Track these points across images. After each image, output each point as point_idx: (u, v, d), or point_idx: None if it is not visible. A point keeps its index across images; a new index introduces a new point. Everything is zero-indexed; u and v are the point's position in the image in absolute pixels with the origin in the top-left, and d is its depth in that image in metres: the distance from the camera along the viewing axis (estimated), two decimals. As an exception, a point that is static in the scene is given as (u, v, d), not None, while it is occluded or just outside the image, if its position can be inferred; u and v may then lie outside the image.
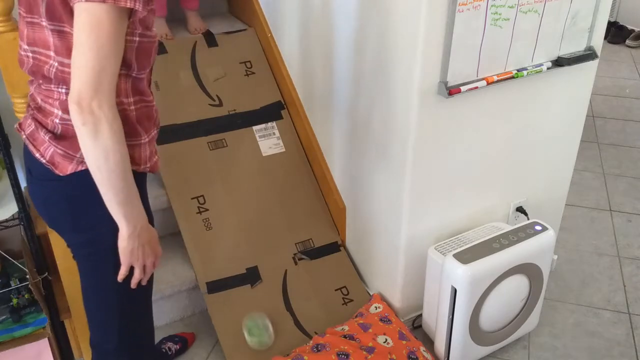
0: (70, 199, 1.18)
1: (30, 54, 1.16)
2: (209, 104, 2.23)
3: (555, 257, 2.25)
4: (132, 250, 1.14)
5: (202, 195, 2.08)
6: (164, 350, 1.88)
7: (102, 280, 1.25)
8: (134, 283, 1.20)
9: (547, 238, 1.81)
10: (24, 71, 1.20)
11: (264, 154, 2.22)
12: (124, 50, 1.07)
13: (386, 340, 1.79)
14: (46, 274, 1.80)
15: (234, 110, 2.25)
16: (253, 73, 2.34)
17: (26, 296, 1.82)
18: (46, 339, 1.76)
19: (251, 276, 2.01)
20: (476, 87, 1.64)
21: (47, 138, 1.15)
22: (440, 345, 1.84)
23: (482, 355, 1.87)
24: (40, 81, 1.16)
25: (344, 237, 2.19)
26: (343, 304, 2.04)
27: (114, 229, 1.13)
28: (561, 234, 2.30)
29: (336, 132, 2.08)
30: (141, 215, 1.14)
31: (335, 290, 2.06)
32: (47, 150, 1.16)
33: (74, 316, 1.83)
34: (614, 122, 3.45)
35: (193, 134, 2.15)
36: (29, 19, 1.13)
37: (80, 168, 1.14)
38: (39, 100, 1.18)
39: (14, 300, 1.80)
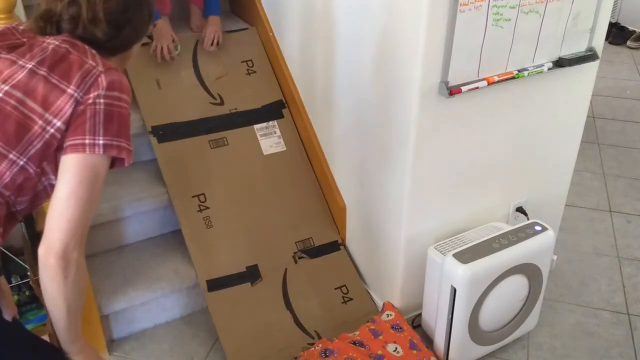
0: None
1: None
2: (210, 103, 2.23)
3: (555, 257, 2.26)
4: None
5: (203, 194, 2.08)
6: None
7: None
8: None
9: (547, 238, 1.81)
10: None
11: (264, 153, 2.22)
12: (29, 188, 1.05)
13: (396, 349, 1.79)
14: (47, 271, 1.80)
15: (235, 109, 2.25)
16: (254, 72, 2.34)
17: (27, 293, 1.82)
18: (47, 336, 1.77)
19: (251, 274, 2.02)
20: (477, 88, 1.64)
21: None
22: (439, 345, 1.85)
23: (481, 354, 1.87)
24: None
25: (344, 236, 2.19)
26: (343, 303, 2.04)
27: None
28: (561, 234, 2.30)
29: (337, 132, 2.09)
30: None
31: (335, 288, 2.07)
32: None
33: (74, 313, 1.83)
34: (615, 123, 3.46)
35: (194, 133, 2.16)
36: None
37: None
38: None
39: (15, 297, 1.80)
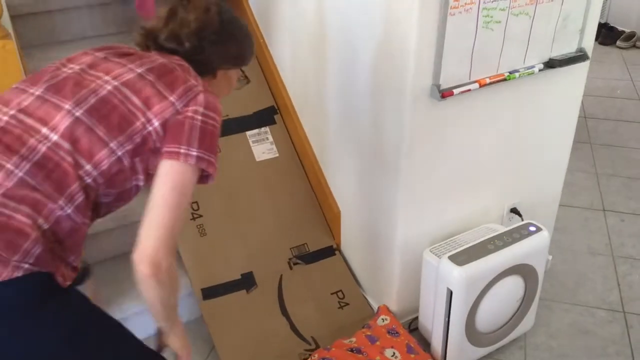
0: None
1: (44, 142, 1.03)
2: (202, 110, 2.22)
3: (550, 257, 2.26)
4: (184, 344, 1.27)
5: (196, 202, 2.07)
6: None
7: None
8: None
9: (542, 239, 1.81)
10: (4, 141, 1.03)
11: (257, 159, 2.22)
12: (120, 182, 1.11)
13: (394, 354, 1.78)
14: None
15: (227, 115, 2.24)
16: (246, 78, 2.34)
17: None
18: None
19: (246, 282, 2.00)
20: (469, 90, 1.64)
21: None
22: (437, 347, 1.84)
23: (478, 356, 1.87)
24: (31, 177, 1.01)
25: (339, 241, 2.19)
26: (339, 308, 2.03)
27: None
28: (555, 234, 2.30)
29: (329, 136, 2.08)
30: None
31: (331, 294, 2.06)
32: None
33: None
34: (606, 122, 3.47)
35: (186, 140, 2.15)
36: (77, 112, 1.05)
37: (17, 274, 0.97)
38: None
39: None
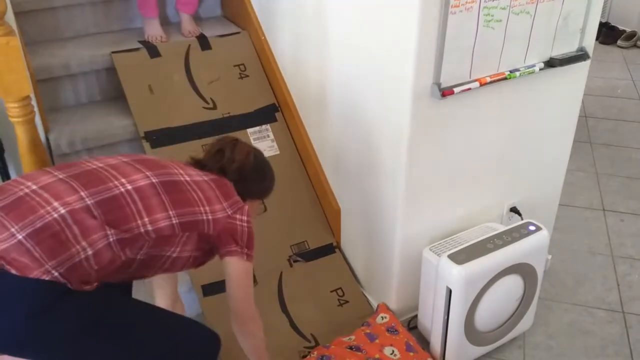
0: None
1: (119, 187, 1.26)
2: (203, 107, 2.23)
3: (549, 256, 2.26)
4: None
5: (197, 198, 2.07)
6: None
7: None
8: None
9: (541, 238, 1.82)
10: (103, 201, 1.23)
11: (258, 157, 2.22)
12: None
13: (393, 351, 1.79)
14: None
15: (228, 113, 2.25)
16: (247, 76, 2.34)
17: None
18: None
19: (247, 279, 2.01)
20: (469, 89, 1.64)
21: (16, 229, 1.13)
22: (435, 346, 1.85)
23: (477, 355, 1.88)
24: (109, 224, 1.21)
25: (339, 238, 2.19)
26: (339, 305, 2.04)
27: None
28: (555, 233, 2.31)
29: (330, 134, 2.09)
30: None
31: (331, 291, 2.07)
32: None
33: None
34: (606, 122, 3.48)
35: (187, 137, 2.15)
36: (154, 179, 1.31)
37: (45, 277, 1.12)
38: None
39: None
